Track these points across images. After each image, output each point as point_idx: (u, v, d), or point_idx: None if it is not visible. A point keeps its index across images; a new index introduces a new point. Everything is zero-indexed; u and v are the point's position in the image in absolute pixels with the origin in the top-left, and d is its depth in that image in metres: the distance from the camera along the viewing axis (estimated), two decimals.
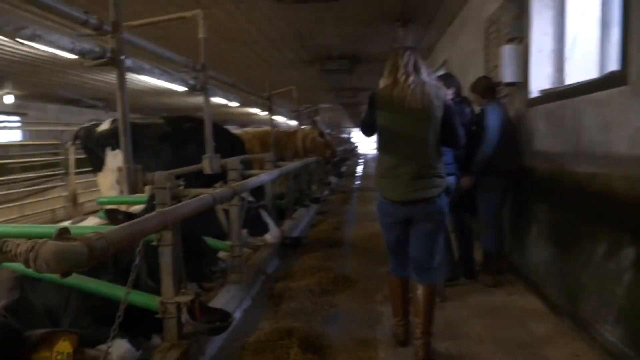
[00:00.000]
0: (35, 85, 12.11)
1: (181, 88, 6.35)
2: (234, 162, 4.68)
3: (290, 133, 8.88)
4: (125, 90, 3.04)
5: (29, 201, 9.41)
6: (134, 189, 3.08)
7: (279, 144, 8.59)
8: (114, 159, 6.65)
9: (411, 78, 3.24)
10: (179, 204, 2.35)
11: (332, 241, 6.87)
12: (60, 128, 11.62)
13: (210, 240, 4.82)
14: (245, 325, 3.92)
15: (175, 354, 3.02)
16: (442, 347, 3.51)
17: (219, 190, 3.04)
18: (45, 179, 10.10)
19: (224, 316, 3.25)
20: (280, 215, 7.95)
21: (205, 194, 2.80)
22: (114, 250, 1.73)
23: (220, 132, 6.90)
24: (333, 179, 15.03)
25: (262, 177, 4.42)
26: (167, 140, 6.69)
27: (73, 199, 7.17)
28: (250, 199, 5.68)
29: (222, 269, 3.24)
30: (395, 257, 3.59)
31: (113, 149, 6.66)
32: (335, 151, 9.38)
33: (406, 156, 3.30)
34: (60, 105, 17.03)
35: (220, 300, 4.00)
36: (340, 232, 7.59)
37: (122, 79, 2.96)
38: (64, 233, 1.51)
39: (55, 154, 10.24)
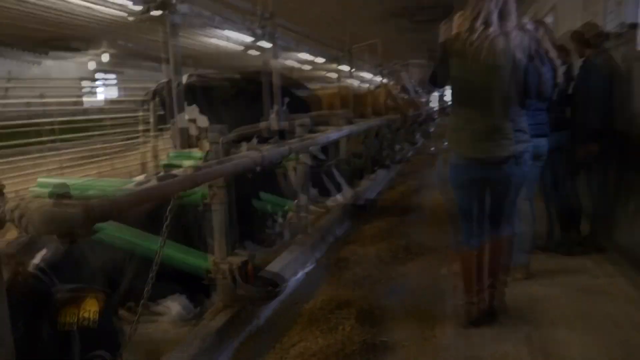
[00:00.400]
0: (129, 44, 12.58)
1: (247, 38, 6.12)
2: (302, 118, 4.42)
3: (371, 90, 8.40)
4: (174, 40, 2.84)
5: (119, 157, 9.92)
6: (186, 144, 2.92)
7: (359, 101, 8.18)
8: (190, 114, 6.69)
9: (492, 28, 2.83)
10: (212, 164, 2.14)
11: (408, 205, 6.46)
12: (150, 85, 12.05)
13: (277, 200, 4.66)
14: (306, 290, 3.74)
15: (225, 317, 2.91)
16: (523, 332, 3.08)
17: (269, 147, 2.80)
18: (133, 136, 10.59)
19: (277, 282, 3.07)
20: (357, 176, 7.67)
21: (252, 152, 2.57)
22: (121, 213, 1.54)
23: (293, 86, 6.67)
24: (419, 139, 14.36)
25: (329, 134, 4.10)
26: (241, 96, 6.58)
27: (154, 155, 7.38)
28: (322, 157, 5.43)
29: (279, 232, 3.05)
30: (467, 224, 3.21)
31: (189, 103, 6.68)
32: (419, 110, 8.76)
33: (483, 109, 2.95)
34: (154, 63, 17.73)
35: (281, 262, 3.84)
36: (419, 196, 7.14)
37: (171, 29, 2.76)
38: (62, 192, 1.33)
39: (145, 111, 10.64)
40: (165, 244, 3.30)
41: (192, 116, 6.68)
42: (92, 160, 10.34)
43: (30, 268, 1.99)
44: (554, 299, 3.51)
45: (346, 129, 4.58)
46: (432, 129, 18.36)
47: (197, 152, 4.25)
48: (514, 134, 2.92)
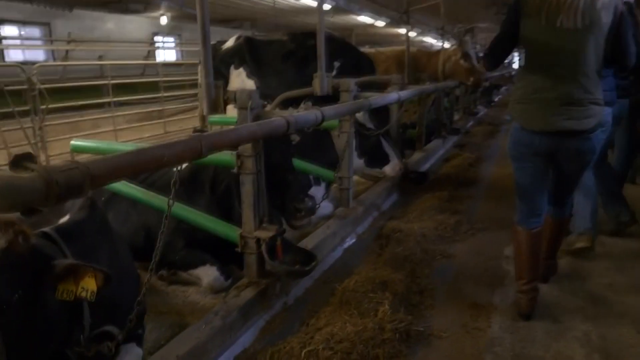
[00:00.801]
0: (188, 6, 12.54)
1: None
2: (346, 82, 4.10)
3: (431, 54, 7.83)
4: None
5: (173, 119, 10.01)
6: (214, 107, 2.72)
7: (417, 65, 7.67)
8: (237, 78, 6.51)
9: None
10: (225, 130, 1.91)
11: (464, 179, 6.02)
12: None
13: (321, 170, 4.43)
14: (343, 268, 3.52)
15: (250, 293, 2.75)
16: (581, 330, 2.72)
17: (296, 114, 2.54)
18: (188, 99, 10.65)
19: (309, 258, 2.86)
20: (409, 146, 7.28)
21: (277, 118, 2.32)
22: (98, 184, 1.36)
23: (346, 49, 6.30)
24: (481, 109, 13.55)
25: (372, 100, 3.73)
26: (291, 59, 6.30)
27: (201, 119, 7.30)
28: (370, 126, 5.11)
29: (310, 208, 2.82)
30: (525, 203, 2.91)
31: (236, 67, 6.51)
32: (481, 78, 8.13)
33: (557, 76, 2.61)
34: (212, 26, 17.71)
35: (318, 236, 3.63)
36: (476, 170, 6.66)
37: None
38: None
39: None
40: (195, 213, 3.20)
41: (238, 79, 6.51)
42: (148, 122, 10.54)
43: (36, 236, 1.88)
44: (616, 290, 3.11)
45: (393, 95, 4.21)
46: (496, 99, 17.33)
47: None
48: (588, 106, 2.58)
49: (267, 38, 6.66)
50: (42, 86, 8.13)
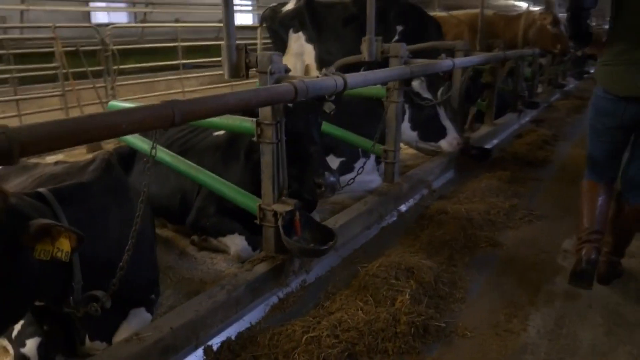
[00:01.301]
0: None
1: None
2: (396, 47, 3.75)
3: (510, 18, 7.09)
4: None
5: (238, 84, 10.00)
6: (235, 71, 2.54)
7: (493, 30, 6.99)
8: (296, 42, 6.30)
9: None
10: (207, 97, 1.70)
11: (533, 159, 5.46)
12: None
13: (366, 142, 4.17)
14: (376, 247, 3.29)
15: (264, 268, 2.61)
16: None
17: (312, 79, 2.28)
18: None
19: (329, 236, 2.66)
20: (478, 119, 6.75)
21: (283, 84, 2.08)
22: (31, 151, 1.23)
23: (411, 13, 5.85)
24: (571, 81, 12.34)
25: (414, 68, 3.31)
26: (352, 23, 5.96)
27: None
28: (426, 94, 4.71)
29: (331, 183, 2.58)
30: (599, 169, 2.80)
31: (295, 30, 6.28)
32: (568, 47, 7.28)
33: None
34: None
35: (352, 212, 3.41)
36: (549, 149, 6.02)
37: None
38: None
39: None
40: (216, 180, 3.10)
41: (297, 44, 6.30)
42: (217, 85, 10.67)
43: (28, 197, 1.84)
44: None
45: (444, 63, 3.76)
46: (592, 70, 15.72)
47: None
48: None
49: (329, 0, 6.34)
50: (116, 47, 8.44)
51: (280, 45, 6.53)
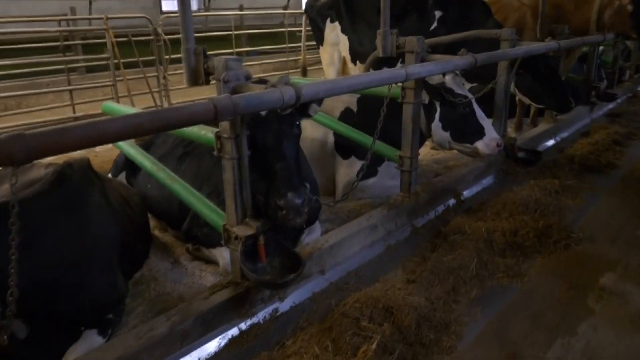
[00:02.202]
0: None
1: None
2: (411, 41, 3.28)
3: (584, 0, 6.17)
4: None
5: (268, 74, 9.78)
6: (194, 78, 2.26)
7: (559, 14, 6.12)
8: (332, 32, 5.92)
9: None
10: (60, 128, 1.40)
11: (594, 163, 4.72)
12: None
13: (382, 146, 3.77)
14: (373, 270, 2.92)
15: (224, 295, 2.35)
16: None
17: (246, 94, 1.90)
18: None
19: (295, 264, 2.34)
20: (538, 114, 6.03)
21: (202, 102, 1.73)
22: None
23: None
24: None
25: (411, 70, 2.77)
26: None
27: (302, 73, 6.90)
28: (460, 90, 4.16)
29: (294, 207, 2.21)
30: None
31: (332, 20, 5.89)
32: None
33: None
34: None
35: (350, 228, 3.05)
36: (619, 150, 5.19)
37: None
38: None
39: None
40: (187, 192, 2.87)
41: (332, 34, 5.91)
42: (277, 73, 10.49)
43: None
44: None
45: (457, 62, 3.14)
46: None
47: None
48: None
49: None
50: (169, 37, 8.52)
51: (318, 35, 6.18)
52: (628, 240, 3.23)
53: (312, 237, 3.25)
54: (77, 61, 7.57)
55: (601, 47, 8.42)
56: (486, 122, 4.22)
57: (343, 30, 5.74)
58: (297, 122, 2.55)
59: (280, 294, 2.54)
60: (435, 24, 5.14)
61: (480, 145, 4.18)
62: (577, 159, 4.73)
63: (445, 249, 3.04)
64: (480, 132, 4.18)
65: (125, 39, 8.18)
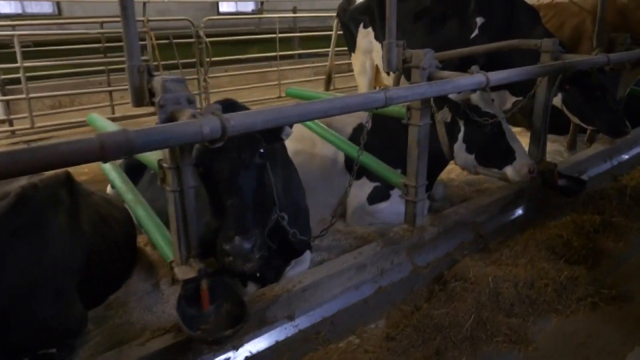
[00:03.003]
0: None
1: None
2: (418, 55, 2.87)
3: None
4: None
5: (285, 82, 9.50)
6: (139, 98, 2.01)
7: (624, 20, 5.39)
8: (365, 38, 5.54)
9: None
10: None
11: None
12: None
13: (388, 172, 3.39)
14: (352, 318, 2.55)
15: (163, 342, 2.09)
16: None
17: (157, 127, 1.59)
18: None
19: (240, 315, 2.03)
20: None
21: (88, 138, 1.43)
22: None
23: (495, 1, 4.71)
24: None
25: (394, 92, 2.30)
26: (423, 18, 5.02)
27: (327, 80, 6.56)
28: (487, 109, 3.68)
29: (241, 253, 1.88)
30: None
31: (365, 26, 5.51)
32: None
33: None
34: None
35: (332, 267, 2.70)
36: None
37: None
38: None
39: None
40: (146, 218, 2.64)
41: (365, 40, 5.53)
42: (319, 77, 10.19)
43: None
44: None
45: (461, 82, 2.63)
46: None
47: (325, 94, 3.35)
48: None
49: None
50: (212, 39, 8.48)
51: (350, 41, 5.81)
52: None
53: (298, 271, 2.94)
54: (116, 62, 7.62)
55: None
56: (517, 145, 3.71)
57: (376, 37, 5.35)
58: (261, 150, 2.24)
59: (236, 340, 2.25)
60: (476, 32, 4.65)
61: (509, 170, 3.68)
62: (629, 190, 4.07)
63: (440, 299, 2.61)
64: (510, 156, 3.67)
65: (167, 41, 8.24)
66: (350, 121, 4.08)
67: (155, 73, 1.99)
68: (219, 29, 13.02)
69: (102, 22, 7.67)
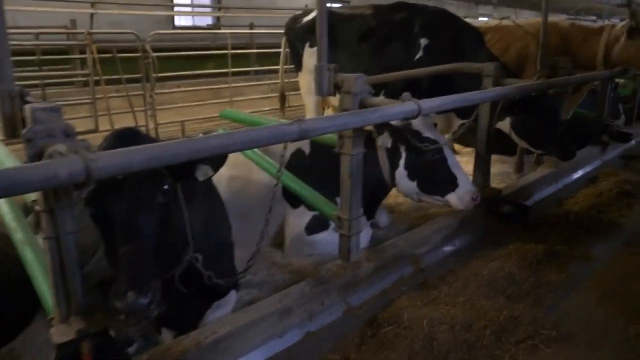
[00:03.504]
0: None
1: None
2: (349, 80, 2.68)
3: (592, 31, 5.43)
4: None
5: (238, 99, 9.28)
6: (11, 129, 1.72)
7: (567, 45, 5.43)
8: (311, 58, 5.36)
9: None
10: None
11: (595, 220, 3.98)
12: None
13: (321, 202, 3.17)
14: None
15: None
16: None
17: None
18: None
19: None
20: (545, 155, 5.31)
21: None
22: None
23: (440, 22, 4.64)
24: None
25: (309, 125, 2.10)
26: (369, 38, 4.89)
27: (280, 99, 6.36)
28: (428, 134, 3.53)
29: (134, 310, 1.63)
30: None
31: (312, 45, 5.34)
32: None
33: None
34: None
35: (251, 314, 2.43)
36: (626, 205, 4.38)
37: None
38: None
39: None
40: (36, 262, 2.31)
41: (311, 60, 5.35)
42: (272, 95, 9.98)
43: None
44: None
45: (386, 111, 2.45)
46: None
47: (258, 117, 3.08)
48: None
49: (350, 12, 5.29)
50: (161, 53, 8.15)
51: (297, 60, 5.64)
52: (618, 344, 2.51)
53: (220, 314, 2.67)
54: (53, 77, 7.19)
55: (620, 80, 7.66)
56: (460, 171, 3.58)
57: None
58: (165, 187, 1.98)
59: None
60: (420, 53, 4.54)
61: (452, 198, 3.54)
62: (572, 216, 3.99)
63: (371, 347, 2.39)
64: (452, 183, 3.53)
65: (110, 54, 7.85)
66: (288, 146, 3.85)
67: (30, 99, 1.69)
68: (174, 43, 12.73)
69: (38, 34, 7.20)
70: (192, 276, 2.36)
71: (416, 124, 3.55)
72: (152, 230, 1.89)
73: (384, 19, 4.83)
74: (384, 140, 3.55)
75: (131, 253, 1.76)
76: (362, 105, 2.66)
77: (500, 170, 5.99)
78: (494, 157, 6.40)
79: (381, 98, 2.70)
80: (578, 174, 5.24)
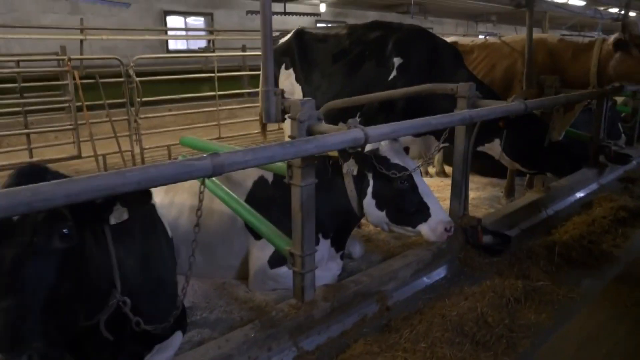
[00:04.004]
0: None
1: None
2: (295, 105, 2.46)
3: (582, 47, 5.20)
4: None
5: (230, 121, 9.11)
6: None
7: (555, 62, 5.19)
8: (286, 80, 5.17)
9: None
10: None
11: (583, 254, 3.68)
12: None
13: (273, 235, 2.92)
14: None
15: None
16: None
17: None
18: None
19: None
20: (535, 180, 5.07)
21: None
22: None
23: (414, 40, 4.42)
24: None
25: (285, 148, 1.89)
26: (342, 59, 4.70)
27: (261, 122, 6.13)
28: (397, 160, 3.29)
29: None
30: None
31: (287, 67, 5.15)
32: None
33: None
34: (374, 11, 16.43)
35: None
36: (621, 234, 4.09)
37: None
38: None
39: None
40: None
41: (287, 82, 5.17)
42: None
43: None
44: None
45: (348, 136, 2.23)
46: None
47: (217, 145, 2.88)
48: None
49: (324, 33, 5.11)
50: (142, 78, 8.02)
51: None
52: None
53: (161, 358, 2.42)
54: (35, 103, 7.06)
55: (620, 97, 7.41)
56: (432, 200, 3.32)
57: (297, 79, 5.00)
58: (65, 230, 1.75)
59: None
60: (394, 73, 4.33)
61: (424, 229, 3.27)
62: (558, 248, 3.69)
63: None
64: (424, 213, 3.27)
65: (93, 80, 7.74)
66: (250, 174, 3.62)
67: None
68: (168, 67, 12.69)
69: (19, 61, 7.10)
70: (124, 320, 2.14)
71: (384, 149, 3.32)
72: (43, 281, 1.65)
73: (358, 38, 4.64)
74: (350, 167, 3.32)
75: (6, 310, 1.53)
76: (310, 133, 2.43)
77: (491, 194, 5.73)
78: (483, 180, 6.20)
79: (328, 125, 2.44)
80: (571, 199, 4.95)
